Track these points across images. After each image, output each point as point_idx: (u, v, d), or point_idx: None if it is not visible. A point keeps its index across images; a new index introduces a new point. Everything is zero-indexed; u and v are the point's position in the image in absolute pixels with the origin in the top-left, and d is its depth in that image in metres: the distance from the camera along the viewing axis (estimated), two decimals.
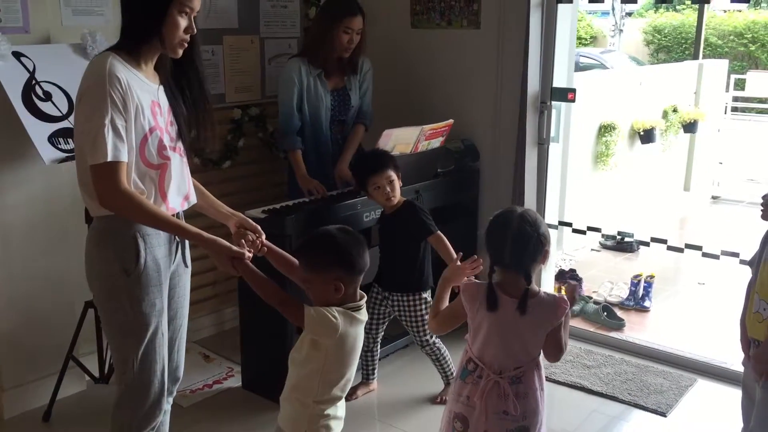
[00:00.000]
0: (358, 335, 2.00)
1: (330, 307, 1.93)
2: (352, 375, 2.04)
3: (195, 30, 2.07)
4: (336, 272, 1.94)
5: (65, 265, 3.05)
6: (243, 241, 2.13)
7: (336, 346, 1.95)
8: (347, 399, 2.08)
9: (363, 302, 2.01)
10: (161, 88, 2.12)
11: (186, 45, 2.08)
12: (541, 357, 2.12)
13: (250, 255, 2.04)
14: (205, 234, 2.04)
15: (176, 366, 2.32)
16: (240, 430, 2.95)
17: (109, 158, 1.91)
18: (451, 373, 3.15)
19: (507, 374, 2.04)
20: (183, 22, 2.02)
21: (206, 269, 3.60)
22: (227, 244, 2.02)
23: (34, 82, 2.77)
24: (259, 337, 3.18)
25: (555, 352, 2.10)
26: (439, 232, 3.03)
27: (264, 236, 2.21)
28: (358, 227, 3.21)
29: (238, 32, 3.71)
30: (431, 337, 3.12)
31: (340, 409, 2.04)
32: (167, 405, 2.31)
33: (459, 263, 2.26)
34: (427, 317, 3.07)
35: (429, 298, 3.10)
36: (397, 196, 3.04)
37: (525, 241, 2.01)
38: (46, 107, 2.77)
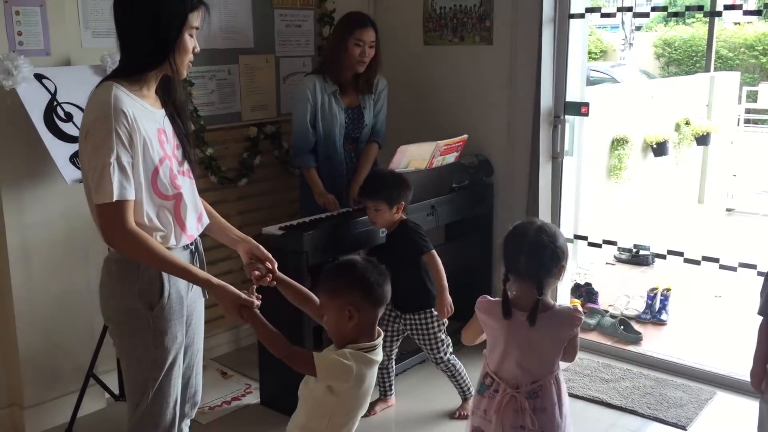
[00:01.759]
0: (373, 377, 1.94)
1: (343, 349, 1.87)
2: (359, 416, 1.98)
3: (198, 49, 2.03)
4: (351, 297, 1.88)
5: (85, 283, 3.08)
6: (252, 288, 2.00)
7: (351, 389, 1.88)
8: (366, 416, 2.07)
9: (379, 341, 1.93)
10: (163, 111, 2.06)
11: (191, 66, 2.05)
12: (561, 373, 2.12)
13: (259, 303, 1.94)
14: (214, 279, 1.96)
15: (195, 391, 2.27)
16: None
17: (115, 197, 1.86)
18: (468, 389, 3.15)
19: (524, 389, 2.05)
20: (191, 43, 1.99)
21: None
22: (236, 291, 1.93)
23: (55, 103, 2.82)
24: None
25: (572, 355, 2.13)
26: (433, 251, 3.03)
27: (276, 265, 2.15)
28: (374, 243, 3.23)
29: (254, 51, 3.77)
30: (445, 354, 3.12)
31: None
32: (185, 428, 2.29)
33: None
34: (439, 334, 3.09)
35: (435, 317, 3.10)
36: (380, 223, 3.06)
37: (541, 251, 2.02)
38: (67, 128, 2.82)
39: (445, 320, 3.11)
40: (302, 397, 1.97)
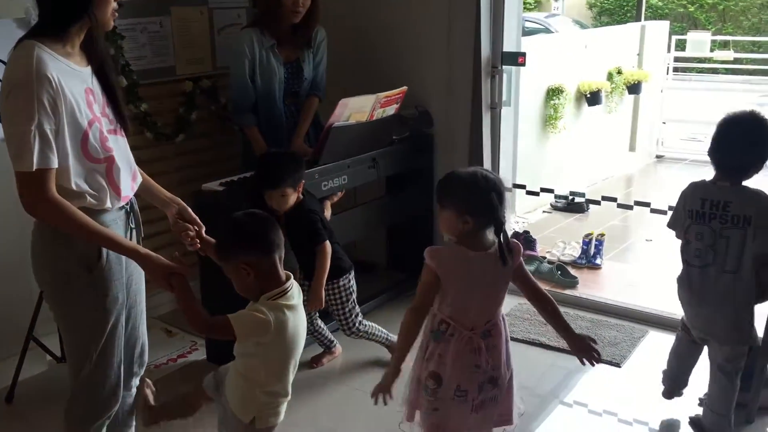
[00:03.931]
0: (297, 319, 1.97)
1: (257, 303, 1.90)
2: (298, 357, 2.03)
3: None
4: (240, 255, 1.90)
5: (20, 246, 2.98)
6: (178, 255, 1.97)
7: (277, 338, 1.92)
8: (313, 367, 2.10)
9: (289, 284, 1.96)
10: (90, 69, 1.96)
11: (117, 15, 1.96)
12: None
13: (188, 273, 1.93)
14: (141, 249, 1.94)
15: (142, 351, 2.26)
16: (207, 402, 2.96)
17: (36, 166, 1.78)
18: (387, 337, 3.20)
19: (479, 329, 2.10)
20: None
21: (164, 244, 3.57)
22: (164, 260, 1.92)
23: None
24: (221, 310, 3.17)
25: (541, 294, 2.22)
26: (326, 243, 2.95)
27: (204, 229, 2.13)
28: (318, 196, 3.23)
29: (186, 3, 3.66)
30: (354, 324, 3.12)
31: (289, 390, 2.06)
32: (134, 387, 2.28)
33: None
34: (346, 304, 3.08)
35: (348, 283, 3.10)
36: (285, 208, 2.94)
37: (495, 196, 2.04)
38: None
39: (353, 289, 3.12)
40: (237, 353, 2.01)
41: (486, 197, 2.04)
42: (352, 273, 3.15)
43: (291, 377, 2.07)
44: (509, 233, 4.31)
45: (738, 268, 2.45)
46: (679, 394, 2.84)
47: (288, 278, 1.97)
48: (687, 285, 2.60)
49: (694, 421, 2.74)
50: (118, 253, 1.97)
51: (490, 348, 2.11)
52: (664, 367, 2.86)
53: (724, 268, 2.47)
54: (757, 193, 2.45)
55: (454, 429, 2.16)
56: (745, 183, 2.48)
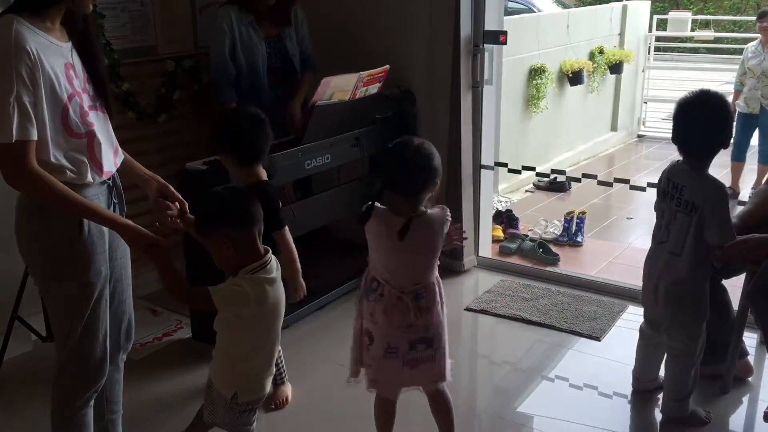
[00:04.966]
0: (276, 292, 2.00)
1: (236, 277, 1.93)
2: (279, 331, 2.07)
3: None
4: (219, 230, 1.93)
5: (3, 227, 2.98)
6: (159, 224, 2.02)
7: (257, 311, 1.96)
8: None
9: (268, 257, 1.98)
10: (71, 45, 1.97)
11: None
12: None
13: (168, 244, 1.95)
14: (119, 218, 1.97)
15: (129, 325, 2.28)
16: (193, 379, 2.99)
17: (15, 137, 1.79)
18: (281, 375, 2.86)
19: (408, 290, 2.16)
20: None
21: (149, 223, 3.57)
22: (143, 231, 1.95)
23: None
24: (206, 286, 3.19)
25: None
26: (284, 229, 2.59)
27: (187, 206, 2.15)
28: (300, 175, 3.24)
29: None
30: None
31: (272, 365, 2.11)
32: (121, 362, 2.32)
33: None
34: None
35: None
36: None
37: (418, 171, 2.10)
38: None
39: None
40: (218, 328, 2.04)
41: (398, 169, 2.12)
42: None
43: (275, 352, 2.11)
44: (492, 212, 4.40)
45: (681, 251, 2.45)
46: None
47: (266, 252, 2.00)
48: (647, 259, 2.65)
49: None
50: (99, 223, 1.98)
51: (422, 309, 2.18)
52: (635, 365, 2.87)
53: (669, 249, 2.49)
54: (709, 183, 2.41)
55: (388, 383, 2.28)
56: (706, 169, 2.44)
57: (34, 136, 1.84)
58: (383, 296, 2.17)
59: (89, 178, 1.98)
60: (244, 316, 1.96)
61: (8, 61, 1.78)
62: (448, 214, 2.20)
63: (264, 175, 2.60)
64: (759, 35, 6.00)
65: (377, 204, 2.17)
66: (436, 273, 2.24)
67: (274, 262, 2.02)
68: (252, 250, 1.97)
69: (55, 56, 1.89)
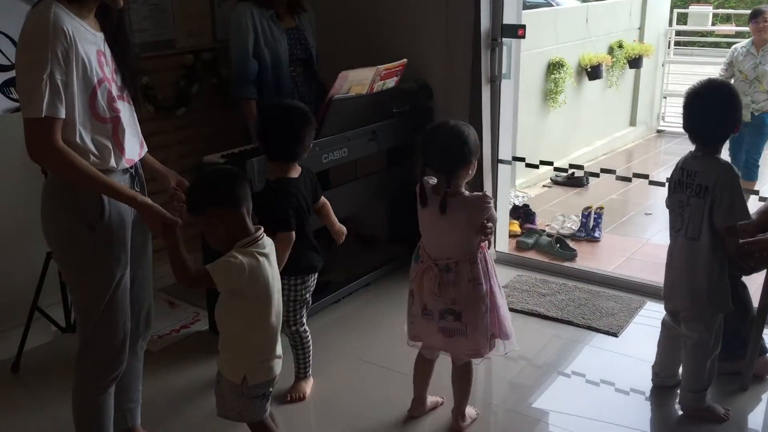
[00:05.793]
0: (270, 267, 2.07)
1: (229, 251, 2.00)
2: (279, 311, 2.12)
3: None
4: (210, 210, 2.00)
5: (23, 216, 3.02)
6: (175, 203, 2.11)
7: (250, 285, 2.01)
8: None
9: (260, 233, 2.06)
10: (103, 36, 2.05)
11: None
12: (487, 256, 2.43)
13: (181, 222, 2.02)
14: (139, 197, 2.02)
15: (148, 313, 2.34)
16: (210, 370, 2.96)
17: (44, 113, 1.85)
18: (304, 370, 2.87)
19: (440, 262, 2.38)
20: None
21: None
22: (161, 209, 2.01)
23: None
24: None
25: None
26: (288, 233, 2.55)
27: None
28: (317, 169, 3.24)
29: None
30: (294, 325, 2.77)
31: (277, 347, 2.13)
32: (141, 351, 2.36)
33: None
34: (291, 303, 2.71)
35: (299, 284, 2.71)
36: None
37: (449, 148, 2.32)
38: None
39: (302, 295, 2.75)
40: (217, 317, 2.12)
41: (431, 147, 2.35)
42: (310, 277, 2.76)
43: (278, 335, 2.13)
44: (509, 207, 4.39)
45: (698, 235, 2.49)
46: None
47: (257, 229, 2.07)
48: (668, 251, 2.67)
49: None
50: (118, 200, 2.03)
51: (449, 283, 2.38)
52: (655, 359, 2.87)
53: (687, 234, 2.53)
54: (719, 165, 2.48)
55: (424, 341, 2.54)
56: (718, 154, 2.52)
57: (62, 115, 1.90)
58: (423, 262, 2.43)
59: (112, 163, 2.03)
60: (238, 293, 2.02)
61: (45, 39, 1.85)
62: (489, 201, 2.35)
63: (295, 172, 2.67)
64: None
65: (426, 179, 2.43)
66: (481, 253, 2.39)
67: (266, 239, 2.09)
68: (243, 228, 2.04)
69: (89, 43, 1.97)
